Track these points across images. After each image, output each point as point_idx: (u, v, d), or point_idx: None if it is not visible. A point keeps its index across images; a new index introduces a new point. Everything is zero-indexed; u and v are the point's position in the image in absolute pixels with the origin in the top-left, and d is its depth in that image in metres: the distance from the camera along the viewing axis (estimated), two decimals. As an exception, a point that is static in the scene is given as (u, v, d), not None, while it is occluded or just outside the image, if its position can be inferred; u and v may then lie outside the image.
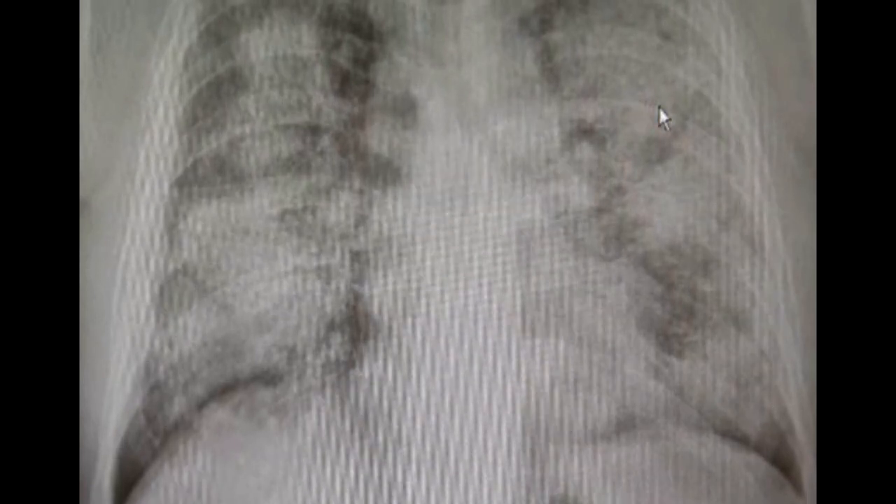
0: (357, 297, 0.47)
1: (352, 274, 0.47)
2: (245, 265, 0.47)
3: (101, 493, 0.47)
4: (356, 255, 0.47)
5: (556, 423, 0.46)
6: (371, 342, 0.47)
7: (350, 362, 0.47)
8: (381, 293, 0.47)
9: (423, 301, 0.47)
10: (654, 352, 0.47)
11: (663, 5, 0.48)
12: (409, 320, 0.47)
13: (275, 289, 0.47)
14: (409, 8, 0.48)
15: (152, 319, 0.47)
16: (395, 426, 0.46)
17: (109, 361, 0.47)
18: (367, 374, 0.47)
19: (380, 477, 0.46)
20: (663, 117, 0.47)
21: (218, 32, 0.48)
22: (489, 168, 0.48)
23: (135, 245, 0.48)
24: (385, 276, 0.47)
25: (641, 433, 0.46)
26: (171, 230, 0.48)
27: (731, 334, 0.47)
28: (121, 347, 0.47)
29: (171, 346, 0.47)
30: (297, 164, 0.48)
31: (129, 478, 0.47)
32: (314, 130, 0.48)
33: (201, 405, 0.47)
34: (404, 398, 0.46)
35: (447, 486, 0.46)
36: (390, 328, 0.47)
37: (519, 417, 0.46)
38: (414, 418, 0.46)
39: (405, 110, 0.48)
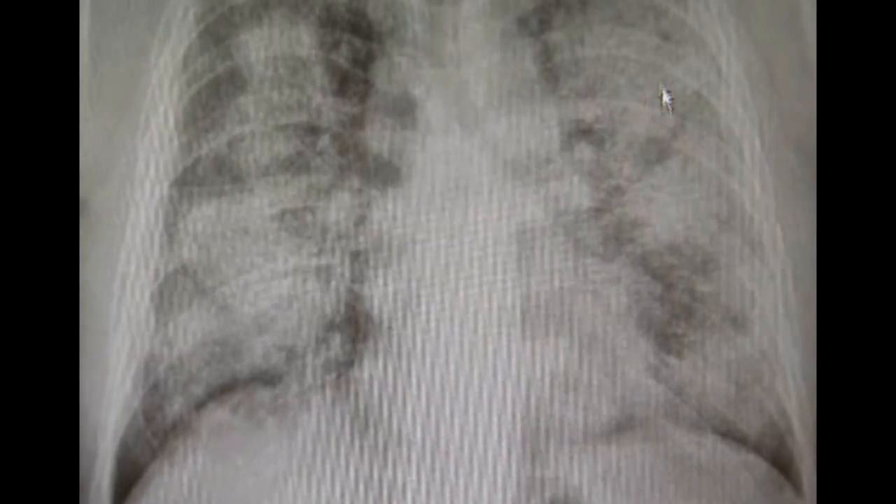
0: (356, 297, 0.47)
1: (351, 274, 0.47)
2: (244, 265, 0.47)
3: (100, 493, 0.47)
4: (355, 256, 0.47)
5: (554, 423, 0.46)
6: (370, 342, 0.47)
7: (349, 362, 0.47)
8: (380, 293, 0.47)
9: (423, 301, 0.47)
10: (653, 352, 0.47)
11: (663, 6, 0.48)
12: (409, 320, 0.47)
13: (274, 289, 0.47)
14: (407, 8, 0.48)
15: (151, 319, 0.47)
16: (394, 426, 0.46)
17: (108, 361, 0.47)
18: (366, 374, 0.47)
19: (378, 477, 0.46)
20: (666, 98, 0.46)
21: (217, 33, 0.48)
22: (488, 168, 0.48)
23: (134, 245, 0.48)
24: (384, 276, 0.47)
25: (640, 433, 0.46)
26: (171, 230, 0.48)
27: (730, 334, 0.47)
28: (120, 347, 0.47)
29: (170, 346, 0.47)
30: (296, 165, 0.48)
31: (129, 478, 0.47)
32: (313, 130, 0.48)
33: (200, 405, 0.47)
34: (403, 398, 0.46)
35: (446, 485, 0.46)
36: (389, 328, 0.47)
37: (518, 417, 0.46)
38: (413, 418, 0.46)
39: (404, 110, 0.48)
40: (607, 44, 0.48)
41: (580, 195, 0.47)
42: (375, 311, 0.47)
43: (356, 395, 0.47)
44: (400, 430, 0.46)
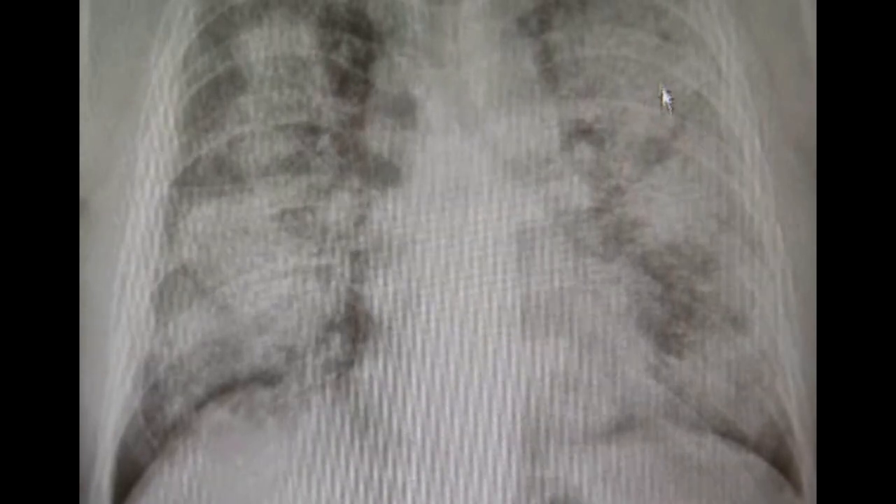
0: (356, 297, 0.47)
1: (351, 274, 0.47)
2: (244, 265, 0.47)
3: (100, 493, 0.47)
4: (355, 256, 0.47)
5: (554, 423, 0.46)
6: (370, 342, 0.47)
7: (349, 362, 0.47)
8: (380, 293, 0.47)
9: (422, 301, 0.47)
10: (653, 352, 0.47)
11: (663, 6, 0.48)
12: (408, 320, 0.47)
13: (274, 289, 0.47)
14: (407, 8, 0.48)
15: (151, 319, 0.47)
16: (393, 426, 0.46)
17: (108, 361, 0.47)
18: (365, 374, 0.47)
19: (378, 477, 0.46)
20: (666, 98, 0.46)
21: (217, 33, 0.48)
22: (488, 168, 0.48)
23: (134, 245, 0.48)
24: (384, 276, 0.47)
25: (640, 433, 0.46)
26: (170, 230, 0.48)
27: (730, 334, 0.47)
28: (120, 347, 0.47)
29: (170, 346, 0.47)
30: (296, 165, 0.48)
31: (129, 478, 0.47)
32: (313, 130, 0.48)
33: (200, 405, 0.47)
34: (403, 398, 0.46)
35: (446, 485, 0.46)
36: (389, 328, 0.47)
37: (518, 417, 0.46)
38: (413, 418, 0.46)
39: (404, 110, 0.48)
40: (607, 44, 0.48)
41: (580, 195, 0.47)
42: (375, 311, 0.47)
43: (356, 395, 0.47)
44: (400, 431, 0.46)
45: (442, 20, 0.49)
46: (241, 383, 0.47)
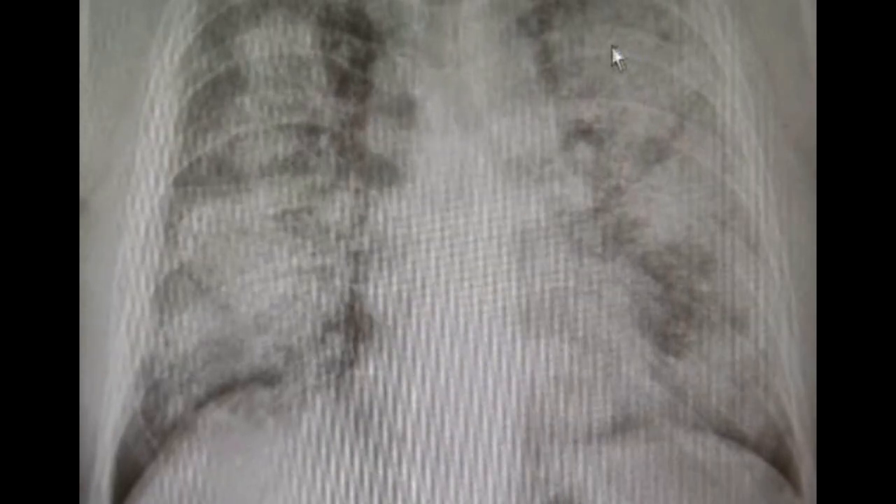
0: (356, 297, 0.47)
1: (350, 274, 0.47)
2: (243, 265, 0.47)
3: (99, 494, 0.47)
4: (355, 255, 0.47)
5: (554, 423, 0.46)
6: (369, 342, 0.47)
7: (349, 362, 0.47)
8: (379, 293, 0.47)
9: (422, 301, 0.47)
10: (652, 352, 0.47)
11: (663, 6, 0.48)
12: (408, 320, 0.47)
13: (273, 289, 0.47)
14: (407, 8, 0.49)
15: (151, 319, 0.47)
16: (393, 427, 0.46)
17: (108, 361, 0.47)
18: (365, 374, 0.47)
19: (378, 478, 0.46)
20: (617, 56, 0.46)
21: (216, 32, 0.48)
22: (488, 168, 0.48)
23: (134, 245, 0.48)
24: (384, 276, 0.47)
25: (640, 433, 0.46)
26: (170, 230, 0.48)
27: (729, 334, 0.47)
28: (119, 347, 0.47)
29: (169, 345, 0.47)
30: (295, 164, 0.48)
31: (128, 478, 0.47)
32: (313, 130, 0.48)
33: (200, 405, 0.47)
34: (403, 399, 0.46)
35: (446, 485, 0.46)
36: (389, 328, 0.47)
37: (518, 417, 0.46)
38: (413, 418, 0.46)
39: (404, 110, 0.48)
40: (607, 44, 0.48)
41: (579, 195, 0.47)
42: (375, 311, 0.47)
43: (356, 395, 0.47)
44: (399, 431, 0.46)
45: (442, 20, 0.49)
46: (240, 383, 0.47)
